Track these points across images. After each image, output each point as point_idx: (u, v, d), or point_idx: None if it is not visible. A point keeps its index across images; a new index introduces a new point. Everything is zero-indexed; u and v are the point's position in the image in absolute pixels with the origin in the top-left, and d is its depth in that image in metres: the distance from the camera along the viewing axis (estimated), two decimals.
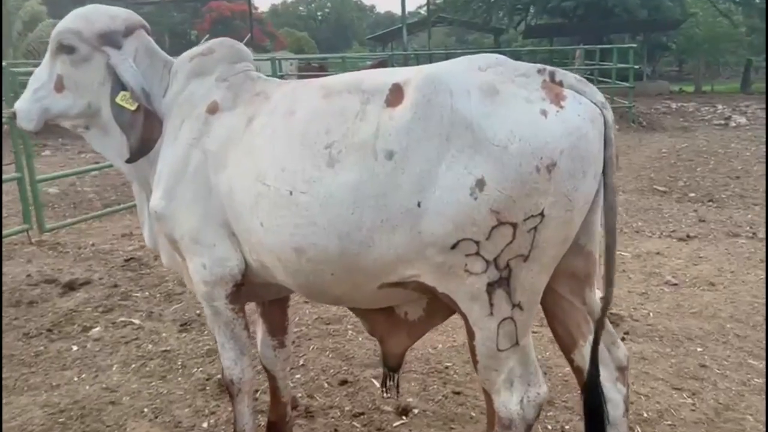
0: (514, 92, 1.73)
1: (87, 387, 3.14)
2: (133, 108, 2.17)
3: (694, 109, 16.17)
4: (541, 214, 1.68)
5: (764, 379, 3.04)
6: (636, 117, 13.37)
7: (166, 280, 4.59)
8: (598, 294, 2.02)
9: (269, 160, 1.93)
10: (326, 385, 3.13)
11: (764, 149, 9.11)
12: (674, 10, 24.64)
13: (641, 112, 14.25)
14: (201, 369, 3.31)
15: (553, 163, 1.65)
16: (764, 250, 4.92)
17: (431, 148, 1.72)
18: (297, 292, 2.19)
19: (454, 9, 27.05)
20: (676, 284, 4.23)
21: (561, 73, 1.81)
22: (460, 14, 27.27)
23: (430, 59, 25.37)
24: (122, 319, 3.96)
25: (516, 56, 24.25)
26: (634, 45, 14.69)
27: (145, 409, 2.94)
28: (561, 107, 1.71)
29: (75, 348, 3.60)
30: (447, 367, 3.26)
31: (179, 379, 3.23)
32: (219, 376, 3.14)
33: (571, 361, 2.08)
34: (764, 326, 3.58)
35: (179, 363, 3.39)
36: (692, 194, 7.32)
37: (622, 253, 4.93)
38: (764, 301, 3.88)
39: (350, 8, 74.72)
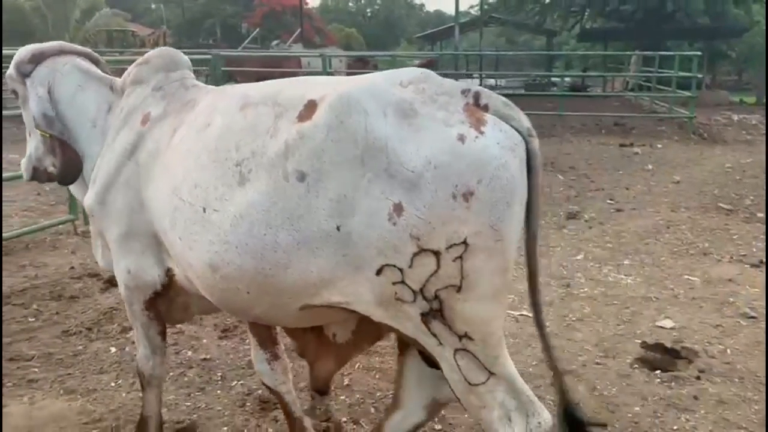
0: (433, 114, 1.65)
1: (123, 394, 3.01)
2: (47, 135, 2.27)
3: (757, 121, 15.41)
4: (465, 243, 1.60)
5: None
6: (696, 129, 12.79)
7: None
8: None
9: (183, 175, 1.90)
10: (373, 410, 2.92)
11: None
12: (740, 18, 23.64)
13: (701, 123, 13.63)
14: (241, 382, 3.14)
15: (470, 192, 1.59)
16: None
17: (346, 172, 1.64)
18: (220, 309, 2.14)
19: (506, 9, 26.50)
20: (754, 317, 3.88)
21: (486, 96, 1.70)
22: (512, 15, 26.72)
23: (481, 59, 25.04)
24: None
25: (568, 60, 23.84)
26: (699, 53, 14.05)
27: (182, 425, 2.79)
28: (481, 133, 1.62)
29: (113, 350, 3.48)
30: None
31: (218, 392, 3.07)
32: (260, 391, 2.98)
33: None
34: None
35: (219, 374, 3.23)
36: (760, 214, 6.85)
37: (690, 278, 4.59)
38: None
39: (399, 5, 74.67)
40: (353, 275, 1.68)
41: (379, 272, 1.65)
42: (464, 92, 1.70)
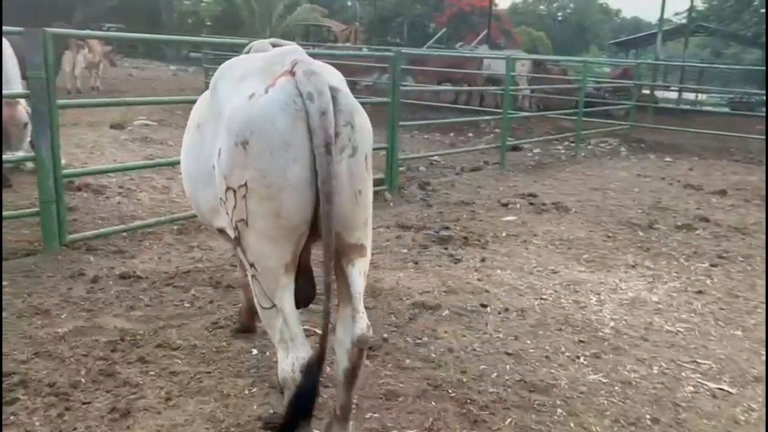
0: (251, 78, 2.06)
1: (255, 406, 2.83)
2: None
3: None
4: (245, 185, 1.92)
5: None
6: None
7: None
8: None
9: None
10: None
11: None
12: None
13: None
14: (377, 416, 2.84)
15: (246, 141, 1.90)
16: None
17: (212, 122, 2.21)
18: None
19: (718, 18, 23.91)
20: None
21: (299, 64, 1.97)
22: (725, 24, 24.03)
23: (683, 71, 22.76)
24: (309, 326, 3.65)
25: None
26: None
27: None
28: (266, 93, 1.93)
29: (254, 351, 3.35)
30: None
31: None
32: None
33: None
34: None
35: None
36: None
37: None
38: None
39: (594, 10, 71.18)
40: (219, 206, 2.16)
41: (220, 203, 2.12)
42: (293, 62, 2.00)
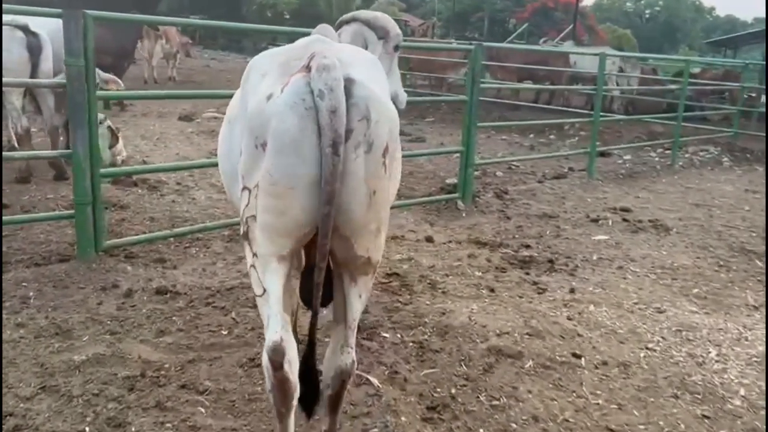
0: (271, 74, 1.94)
1: None
2: None
3: None
4: (257, 186, 1.89)
5: None
6: None
7: (423, 324, 3.58)
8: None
9: None
10: None
11: None
12: None
13: None
14: None
15: (264, 143, 1.84)
16: None
17: (240, 119, 2.06)
18: None
19: None
20: None
21: (317, 57, 1.84)
22: None
23: None
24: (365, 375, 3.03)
25: None
26: None
27: None
28: (281, 92, 1.84)
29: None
30: None
31: None
32: None
33: None
34: None
35: None
36: None
37: None
38: None
39: (685, 7, 67.63)
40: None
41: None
42: (309, 57, 1.88)
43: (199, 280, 4.02)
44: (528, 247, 5.22)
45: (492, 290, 4.15)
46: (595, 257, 5.09)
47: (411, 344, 3.29)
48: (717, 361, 3.36)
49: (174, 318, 3.49)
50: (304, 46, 2.02)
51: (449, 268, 4.57)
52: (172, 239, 4.67)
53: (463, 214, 6.22)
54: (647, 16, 68.66)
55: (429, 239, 5.26)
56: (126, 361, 2.99)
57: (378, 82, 1.95)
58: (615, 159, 9.94)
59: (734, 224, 6.40)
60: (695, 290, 4.47)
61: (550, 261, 4.84)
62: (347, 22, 3.22)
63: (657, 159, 10.23)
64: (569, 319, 3.74)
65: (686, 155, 10.61)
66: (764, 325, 3.88)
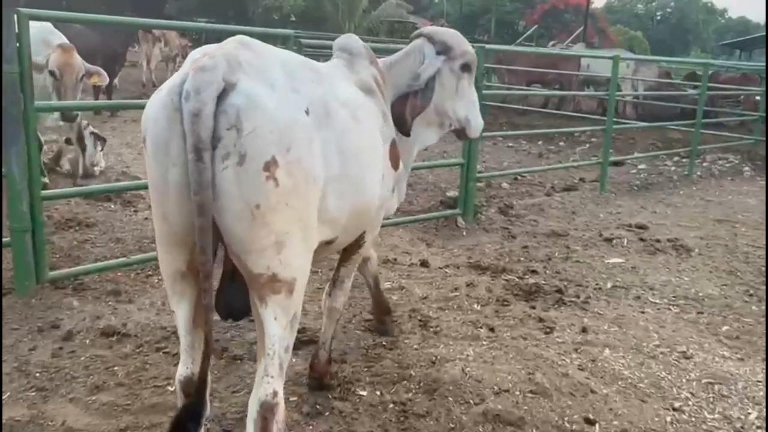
0: (179, 72, 1.84)
1: None
2: None
3: None
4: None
5: None
6: None
7: (408, 378, 3.04)
8: None
9: None
10: None
11: None
12: None
13: None
14: None
15: (144, 139, 1.81)
16: None
17: None
18: None
19: None
20: None
21: (207, 56, 1.77)
22: None
23: None
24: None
25: None
26: None
27: None
28: (161, 90, 1.81)
29: None
30: None
31: None
32: None
33: None
34: None
35: None
36: None
37: None
38: None
39: (697, 9, 66.78)
40: None
41: None
42: (204, 54, 1.84)
43: (155, 318, 3.51)
44: (534, 272, 4.67)
45: (492, 329, 3.62)
46: (609, 285, 4.55)
47: (392, 406, 2.75)
48: (758, 427, 2.80)
49: (116, 368, 2.97)
50: (216, 46, 1.88)
51: (444, 300, 4.04)
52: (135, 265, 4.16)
53: (464, 233, 5.69)
54: (658, 17, 67.99)
55: (424, 263, 4.74)
56: (45, 430, 2.48)
57: (293, 91, 1.85)
58: (628, 168, 9.36)
59: (761, 243, 5.82)
60: (725, 327, 3.91)
61: (559, 291, 4.29)
62: (418, 36, 2.98)
63: (673, 168, 9.64)
64: (581, 369, 3.19)
65: (704, 164, 10.02)
66: None
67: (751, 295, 4.53)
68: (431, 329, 3.59)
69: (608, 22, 48.05)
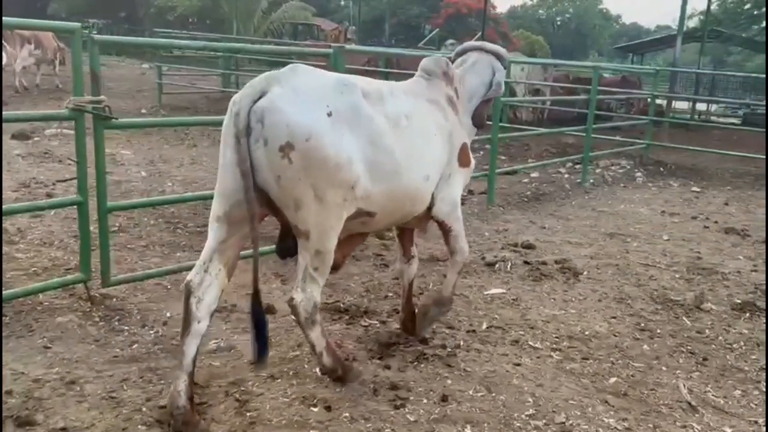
0: None
1: None
2: None
3: None
4: None
5: None
6: None
7: None
8: None
9: None
10: None
11: None
12: None
13: None
14: None
15: None
16: None
17: None
18: None
19: (733, 23, 21.95)
20: None
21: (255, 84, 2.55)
22: (740, 30, 22.05)
23: (697, 79, 20.82)
24: None
25: None
26: None
27: None
28: None
29: None
30: None
31: None
32: None
33: None
34: None
35: None
36: None
37: None
38: None
39: (594, 15, 69.72)
40: None
41: None
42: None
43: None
44: (395, 313, 3.92)
45: (328, 408, 2.81)
46: (484, 325, 3.88)
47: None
48: None
49: None
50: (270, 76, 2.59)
51: (280, 364, 3.21)
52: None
53: None
54: (558, 23, 70.41)
55: (270, 310, 3.87)
56: None
57: (318, 99, 2.55)
58: (521, 177, 8.91)
59: (654, 261, 5.38)
60: (612, 380, 3.30)
61: (423, 340, 3.57)
62: (473, 49, 3.54)
63: (566, 176, 9.29)
64: None
65: (597, 170, 9.74)
66: None
67: (642, 329, 3.99)
68: (248, 415, 2.74)
69: (511, 26, 49.04)
